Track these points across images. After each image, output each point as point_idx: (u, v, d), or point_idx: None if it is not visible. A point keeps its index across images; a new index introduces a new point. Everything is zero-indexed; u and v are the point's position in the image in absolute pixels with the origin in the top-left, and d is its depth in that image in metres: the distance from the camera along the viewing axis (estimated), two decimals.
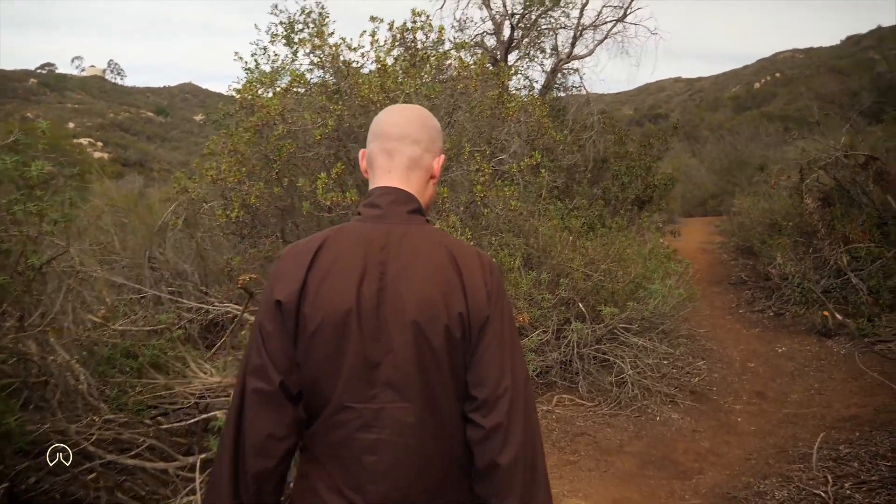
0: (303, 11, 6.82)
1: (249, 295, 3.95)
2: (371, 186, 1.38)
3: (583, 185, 9.45)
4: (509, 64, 11.73)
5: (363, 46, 5.74)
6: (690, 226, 15.89)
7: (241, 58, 6.78)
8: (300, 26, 6.64)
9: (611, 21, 12.41)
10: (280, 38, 6.47)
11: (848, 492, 3.49)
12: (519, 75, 11.75)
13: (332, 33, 5.83)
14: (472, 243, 4.79)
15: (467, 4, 12.32)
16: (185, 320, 4.97)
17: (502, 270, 5.05)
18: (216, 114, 7.61)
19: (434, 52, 6.17)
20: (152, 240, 6.35)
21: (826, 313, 6.79)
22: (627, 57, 20.15)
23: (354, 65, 5.70)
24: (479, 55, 10.13)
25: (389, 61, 5.55)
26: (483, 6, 12.11)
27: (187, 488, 2.92)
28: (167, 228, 6.22)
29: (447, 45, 7.24)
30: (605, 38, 12.45)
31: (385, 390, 1.22)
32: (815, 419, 4.78)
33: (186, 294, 5.59)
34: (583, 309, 5.49)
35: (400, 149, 1.35)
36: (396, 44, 6.08)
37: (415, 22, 6.04)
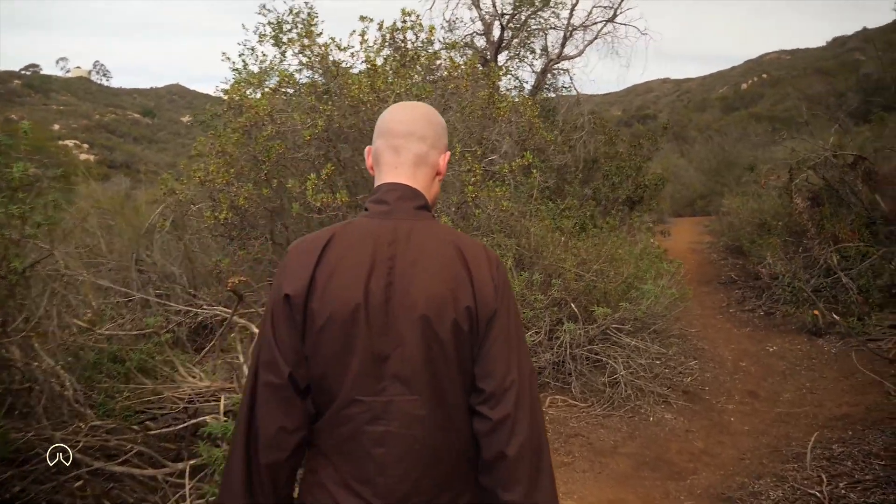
0: (291, 11, 6.76)
1: (239, 297, 3.89)
2: (377, 183, 1.39)
3: (574, 186, 9.43)
4: (499, 64, 11.71)
5: (353, 46, 5.71)
6: (679, 226, 15.95)
7: (228, 58, 6.71)
8: (288, 26, 6.58)
9: (601, 21, 12.45)
10: (268, 38, 6.41)
11: (843, 491, 3.48)
12: (509, 76, 11.74)
13: (321, 33, 5.81)
14: None
15: (457, 5, 12.36)
16: (173, 323, 4.89)
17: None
18: (204, 115, 7.54)
19: (424, 51, 6.14)
20: (139, 242, 6.26)
21: (817, 312, 6.82)
22: (617, 57, 20.19)
23: (344, 65, 5.66)
24: (469, 55, 10.11)
25: (379, 61, 5.51)
26: (473, 6, 12.10)
27: (177, 495, 2.87)
28: (154, 230, 6.14)
29: (437, 46, 7.21)
30: (595, 38, 12.48)
31: (393, 383, 1.23)
32: (808, 418, 4.78)
33: (174, 297, 5.51)
34: (575, 309, 5.47)
35: (406, 146, 1.37)
36: (386, 44, 6.04)
37: (405, 21, 6.01)
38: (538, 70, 12.46)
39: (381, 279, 1.24)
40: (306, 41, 5.68)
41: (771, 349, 6.59)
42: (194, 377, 3.72)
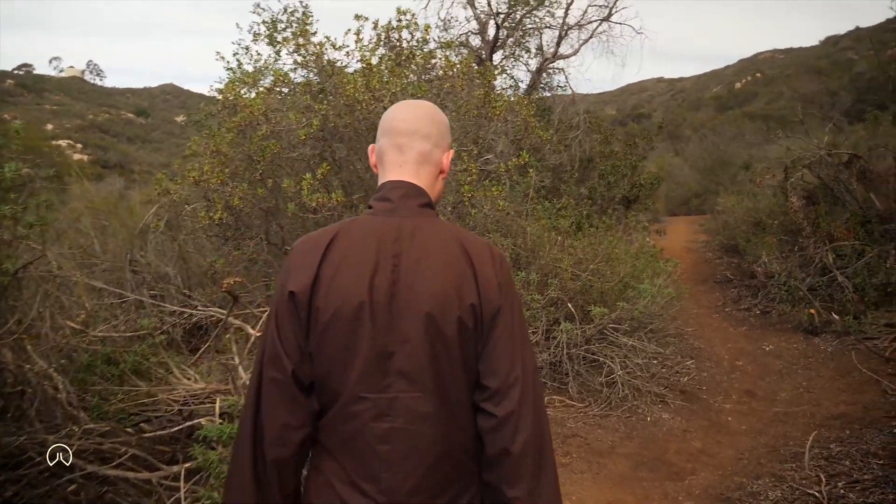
0: (286, 10, 6.74)
1: (234, 298, 3.86)
2: (381, 181, 1.40)
3: (570, 185, 9.43)
4: (494, 63, 11.69)
5: (348, 45, 5.69)
6: (675, 225, 15.96)
7: (223, 57, 6.69)
8: (283, 25, 6.56)
9: (596, 20, 12.40)
10: (263, 37, 6.39)
11: (842, 491, 3.48)
12: (504, 75, 11.73)
13: (316, 32, 5.77)
14: None
15: (452, 4, 12.32)
16: (167, 325, 4.84)
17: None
18: (198, 114, 7.51)
19: (419, 51, 6.11)
20: (133, 242, 6.22)
21: (812, 311, 6.82)
22: (613, 56, 20.24)
23: (339, 64, 5.63)
24: (464, 55, 10.08)
25: (374, 60, 5.48)
26: (468, 5, 12.04)
27: (172, 498, 2.84)
28: (149, 231, 6.09)
29: (432, 45, 7.19)
30: (591, 37, 12.44)
31: (398, 380, 1.23)
32: (805, 417, 4.78)
33: (169, 298, 5.47)
34: (572, 309, 5.45)
35: (410, 144, 1.38)
36: (381, 43, 6.01)
37: (400, 21, 5.98)
38: (533, 69, 12.44)
39: (386, 277, 1.24)
40: (301, 40, 5.64)
41: (767, 348, 6.59)
42: (189, 379, 3.69)
